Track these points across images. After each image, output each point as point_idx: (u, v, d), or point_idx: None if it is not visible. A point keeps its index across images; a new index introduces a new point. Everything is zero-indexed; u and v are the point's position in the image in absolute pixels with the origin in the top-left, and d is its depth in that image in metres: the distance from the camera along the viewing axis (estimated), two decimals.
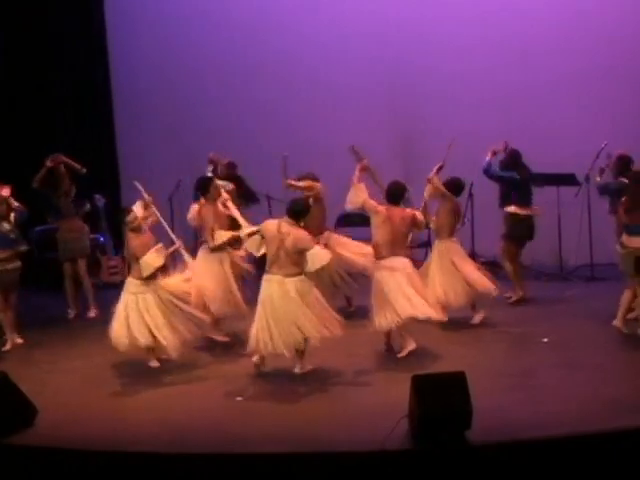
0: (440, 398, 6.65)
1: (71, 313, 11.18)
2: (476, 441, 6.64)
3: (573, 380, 8.02)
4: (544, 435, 6.70)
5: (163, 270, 9.06)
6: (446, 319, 9.39)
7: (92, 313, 11.04)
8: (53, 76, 13.78)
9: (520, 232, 10.70)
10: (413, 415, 6.77)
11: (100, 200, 11.45)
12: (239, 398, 8.00)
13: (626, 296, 9.25)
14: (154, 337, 8.78)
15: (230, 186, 10.45)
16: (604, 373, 8.11)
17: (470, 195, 12.30)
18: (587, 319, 9.97)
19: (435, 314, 8.84)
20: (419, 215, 9.09)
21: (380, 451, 6.58)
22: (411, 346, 8.83)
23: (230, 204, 9.77)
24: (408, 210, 9.03)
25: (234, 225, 9.65)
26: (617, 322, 9.31)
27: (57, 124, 13.90)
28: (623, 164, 10.08)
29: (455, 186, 10.08)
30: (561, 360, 8.61)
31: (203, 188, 9.79)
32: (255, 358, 8.64)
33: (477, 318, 9.96)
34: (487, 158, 10.73)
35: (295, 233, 8.49)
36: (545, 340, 9.21)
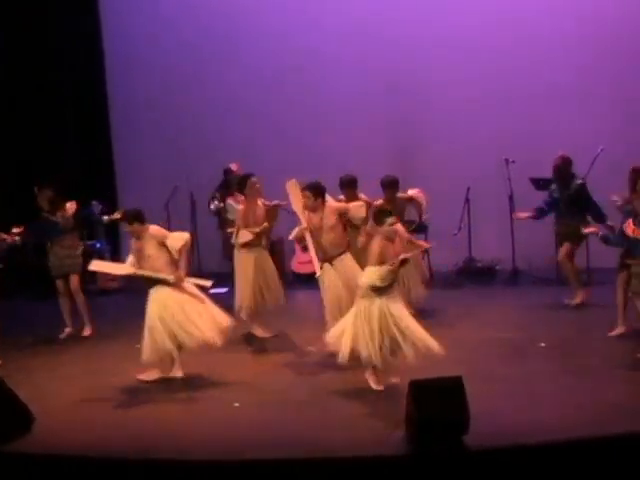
0: (437, 403, 6.65)
1: (66, 331, 10.72)
2: (473, 446, 6.63)
3: (570, 385, 8.01)
4: (542, 440, 6.68)
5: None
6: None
7: (87, 332, 10.65)
8: (53, 76, 13.81)
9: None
10: (410, 420, 6.77)
11: (97, 206, 11.42)
12: (236, 404, 8.00)
13: None
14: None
15: None
16: (602, 378, 8.10)
17: (467, 200, 12.33)
18: (584, 324, 10.00)
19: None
20: None
21: (377, 456, 6.58)
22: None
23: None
24: None
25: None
26: None
27: (56, 125, 13.93)
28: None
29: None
30: (558, 365, 8.62)
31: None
32: None
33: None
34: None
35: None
36: (542, 345, 9.22)
